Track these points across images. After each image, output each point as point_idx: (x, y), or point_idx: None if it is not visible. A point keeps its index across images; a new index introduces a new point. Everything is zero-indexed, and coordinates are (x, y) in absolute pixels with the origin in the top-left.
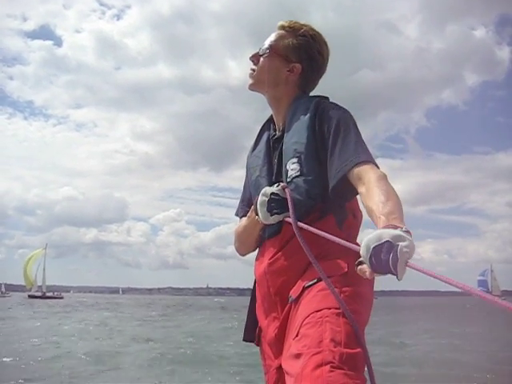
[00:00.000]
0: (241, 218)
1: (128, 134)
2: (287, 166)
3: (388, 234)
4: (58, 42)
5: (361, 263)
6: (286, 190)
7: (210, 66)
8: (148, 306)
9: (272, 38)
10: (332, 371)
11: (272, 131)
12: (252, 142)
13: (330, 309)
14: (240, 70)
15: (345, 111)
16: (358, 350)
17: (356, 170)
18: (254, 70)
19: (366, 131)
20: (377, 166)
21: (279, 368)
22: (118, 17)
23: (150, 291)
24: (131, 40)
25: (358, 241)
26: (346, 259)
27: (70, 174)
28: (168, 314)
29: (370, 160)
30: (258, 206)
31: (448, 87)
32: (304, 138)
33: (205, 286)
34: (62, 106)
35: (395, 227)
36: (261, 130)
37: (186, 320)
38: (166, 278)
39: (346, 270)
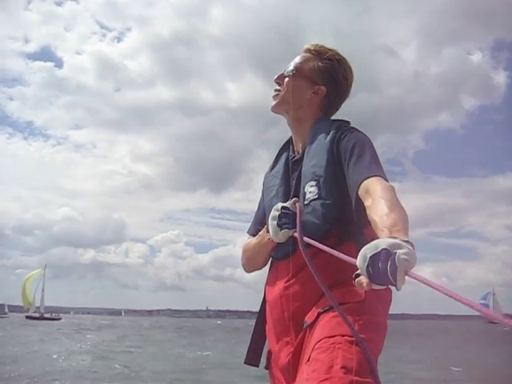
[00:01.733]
0: (251, 235)
1: (127, 156)
2: (305, 189)
3: (385, 242)
4: (59, 64)
5: (358, 275)
6: (297, 204)
7: (210, 89)
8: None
9: (297, 60)
10: None
11: (291, 153)
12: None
13: (343, 336)
14: (239, 92)
15: (363, 134)
16: (369, 379)
17: (364, 183)
18: (278, 91)
19: None
20: (386, 180)
21: None
22: (119, 39)
23: (149, 313)
24: (131, 62)
25: None
26: None
27: (68, 195)
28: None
29: (379, 174)
30: (269, 221)
31: (445, 111)
32: (323, 161)
33: (204, 309)
34: (61, 127)
35: (395, 238)
36: (280, 150)
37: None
38: (164, 300)
39: (363, 297)
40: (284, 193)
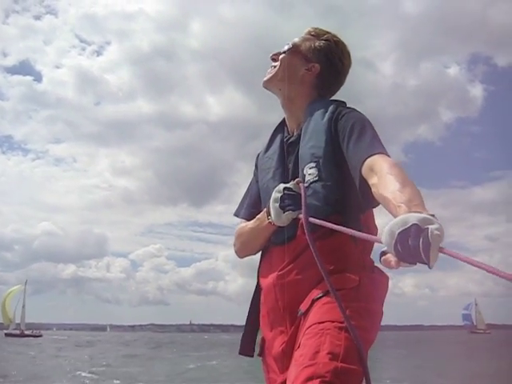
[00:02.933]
0: (244, 219)
1: (107, 169)
2: (304, 171)
3: (414, 217)
4: (38, 78)
5: (384, 253)
6: (300, 184)
7: (190, 102)
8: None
9: (295, 39)
10: None
11: (286, 134)
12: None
13: (333, 322)
14: (220, 106)
15: (361, 114)
16: (356, 367)
17: (368, 161)
18: (273, 67)
19: None
20: (389, 157)
21: (283, 383)
22: (98, 53)
23: (132, 328)
24: (111, 76)
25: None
26: (359, 274)
27: (48, 209)
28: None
29: (383, 151)
30: (271, 203)
31: (424, 123)
32: (322, 142)
33: (188, 323)
34: (41, 141)
35: (420, 212)
36: (274, 132)
37: None
38: (147, 315)
39: (357, 283)
40: (281, 175)
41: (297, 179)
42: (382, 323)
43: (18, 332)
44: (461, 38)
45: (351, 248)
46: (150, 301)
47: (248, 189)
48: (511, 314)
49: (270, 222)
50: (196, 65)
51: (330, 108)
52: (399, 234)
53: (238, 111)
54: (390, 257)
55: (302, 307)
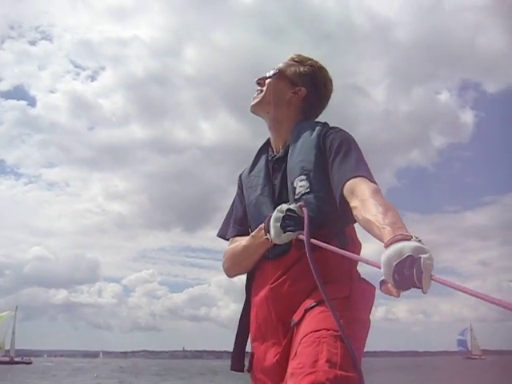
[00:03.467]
0: (232, 238)
1: (101, 194)
2: (294, 184)
3: (409, 247)
4: (32, 102)
5: (384, 282)
6: (304, 208)
7: (183, 127)
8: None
9: (280, 65)
10: None
11: (271, 152)
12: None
13: (328, 330)
14: (213, 131)
15: (348, 134)
16: (353, 374)
17: (349, 183)
18: (260, 91)
19: None
20: (373, 181)
21: None
22: (92, 78)
23: (124, 354)
24: (105, 101)
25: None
26: (349, 284)
27: (40, 234)
28: None
29: (366, 176)
30: (272, 222)
31: (416, 148)
32: (312, 156)
33: (181, 349)
34: (34, 165)
35: (408, 237)
36: (258, 152)
37: None
38: (139, 341)
39: (348, 294)
40: (269, 191)
41: (299, 203)
42: (376, 349)
43: (7, 359)
44: (451, 64)
45: (338, 260)
46: (142, 327)
47: (230, 210)
48: (506, 339)
49: (267, 239)
50: (190, 90)
51: (318, 126)
52: (396, 265)
53: (232, 136)
54: (391, 287)
55: (295, 317)
